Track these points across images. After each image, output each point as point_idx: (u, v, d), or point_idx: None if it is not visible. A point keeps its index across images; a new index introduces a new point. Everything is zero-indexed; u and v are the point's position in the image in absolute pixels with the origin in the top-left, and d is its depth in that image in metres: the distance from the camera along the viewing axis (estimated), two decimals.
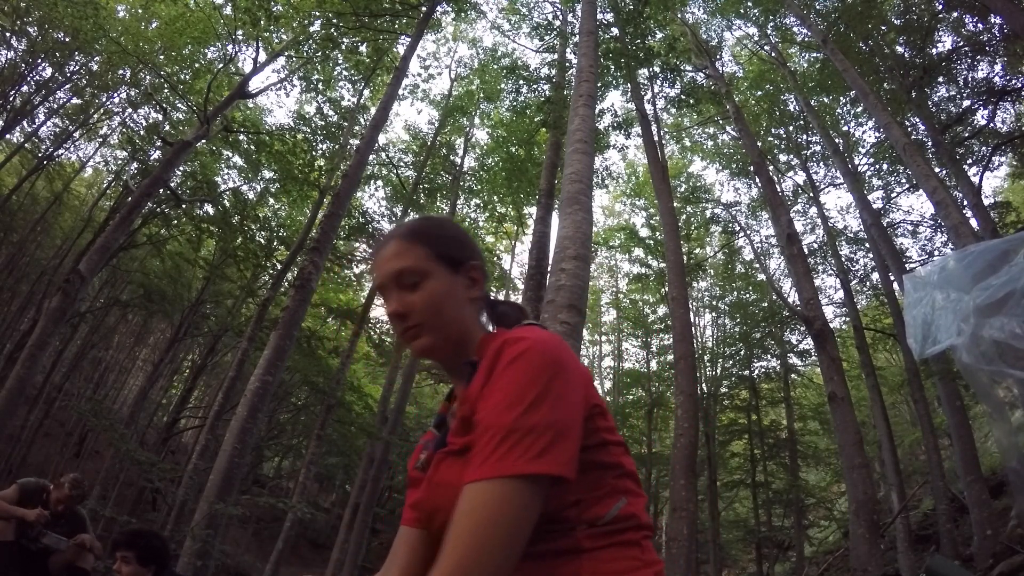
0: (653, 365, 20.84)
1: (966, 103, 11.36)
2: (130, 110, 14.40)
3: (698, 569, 16.07)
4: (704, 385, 16.92)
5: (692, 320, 13.28)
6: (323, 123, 13.82)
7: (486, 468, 0.67)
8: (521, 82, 11.50)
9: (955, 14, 11.32)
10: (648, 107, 12.44)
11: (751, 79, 14.97)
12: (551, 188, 8.95)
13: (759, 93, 14.85)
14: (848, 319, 14.39)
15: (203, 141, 10.65)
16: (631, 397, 20.14)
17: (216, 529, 6.23)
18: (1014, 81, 11.09)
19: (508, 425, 0.68)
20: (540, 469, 0.67)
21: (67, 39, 12.55)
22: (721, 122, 15.20)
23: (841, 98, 13.88)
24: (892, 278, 11.48)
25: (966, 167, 10.79)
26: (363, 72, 12.85)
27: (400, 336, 0.88)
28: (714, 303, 20.33)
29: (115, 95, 14.52)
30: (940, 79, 11.42)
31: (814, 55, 13.34)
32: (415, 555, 0.94)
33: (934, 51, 11.50)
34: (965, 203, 9.41)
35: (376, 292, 0.94)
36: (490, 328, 0.94)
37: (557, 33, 11.58)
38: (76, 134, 15.61)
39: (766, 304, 17.53)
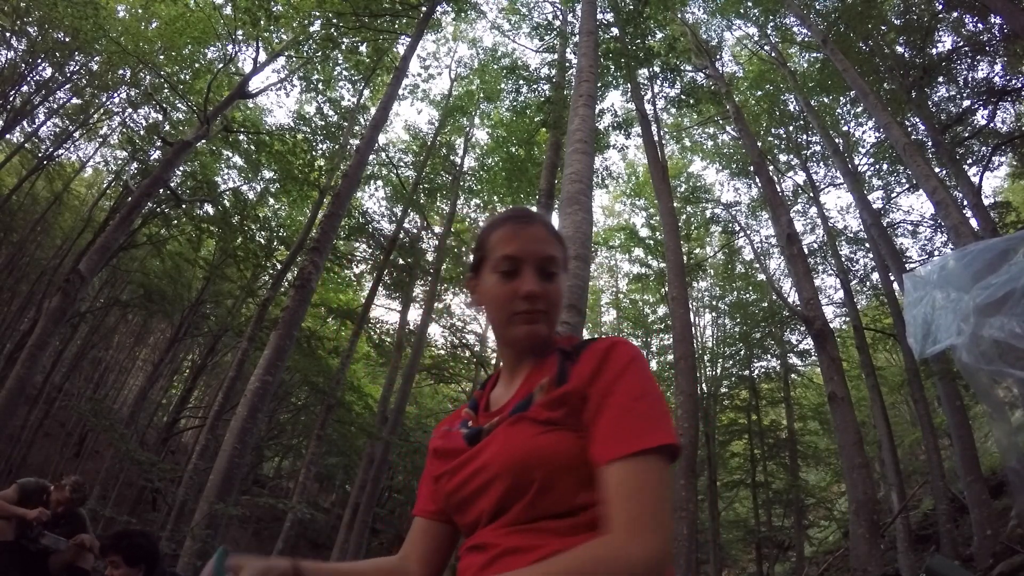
0: (653, 365, 20.79)
1: (966, 103, 11.35)
2: (130, 110, 14.42)
3: (698, 569, 16.04)
4: (704, 385, 16.92)
5: (692, 320, 13.29)
6: (323, 123, 13.81)
7: (643, 441, 0.75)
8: (521, 82, 11.48)
9: (955, 14, 11.32)
10: (648, 107, 12.43)
11: (751, 79, 14.96)
12: (551, 188, 8.94)
13: (759, 93, 14.84)
14: (848, 319, 14.38)
15: (203, 141, 10.65)
16: None
17: (216, 529, 6.22)
18: (1014, 81, 11.09)
19: (645, 411, 0.79)
20: (678, 441, 0.79)
21: (67, 39, 12.55)
22: (721, 122, 15.18)
23: (841, 98, 13.87)
24: (892, 278, 11.47)
25: (966, 167, 10.78)
26: (363, 72, 12.84)
27: (514, 315, 0.89)
28: (714, 303, 20.31)
29: (115, 95, 14.54)
30: (940, 79, 11.42)
31: (814, 55, 13.33)
32: (434, 544, 0.97)
33: (934, 51, 11.50)
34: (965, 203, 9.41)
35: (477, 264, 0.97)
36: None
37: (557, 33, 11.56)
38: (76, 134, 15.61)
39: (766, 304, 17.51)
